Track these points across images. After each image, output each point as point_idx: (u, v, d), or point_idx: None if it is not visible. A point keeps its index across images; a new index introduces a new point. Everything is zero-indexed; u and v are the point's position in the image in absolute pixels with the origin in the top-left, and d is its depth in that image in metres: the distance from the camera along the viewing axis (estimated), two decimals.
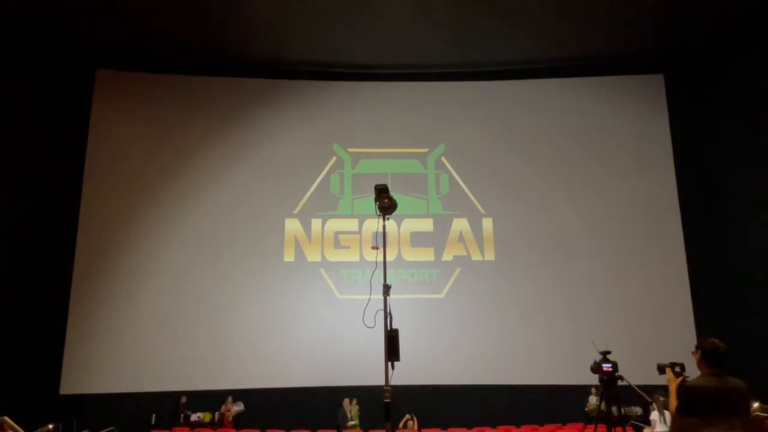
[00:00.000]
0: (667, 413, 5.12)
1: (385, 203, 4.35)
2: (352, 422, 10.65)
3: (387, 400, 3.92)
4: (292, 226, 12.45)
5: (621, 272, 12.00)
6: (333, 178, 12.73)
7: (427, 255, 12.39)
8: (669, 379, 3.87)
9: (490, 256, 12.35)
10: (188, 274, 12.00)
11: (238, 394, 11.31)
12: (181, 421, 10.85)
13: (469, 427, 10.39)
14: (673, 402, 3.56)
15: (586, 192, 12.53)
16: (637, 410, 10.89)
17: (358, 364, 10.82)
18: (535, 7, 10.81)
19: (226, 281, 11.99)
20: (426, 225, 12.52)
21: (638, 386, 5.17)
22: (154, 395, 11.24)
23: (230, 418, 10.96)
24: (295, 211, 12.51)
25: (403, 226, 12.42)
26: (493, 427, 10.48)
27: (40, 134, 11.22)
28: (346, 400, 10.97)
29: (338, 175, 12.76)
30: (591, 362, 5.25)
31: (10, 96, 10.50)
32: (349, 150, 12.87)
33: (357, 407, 10.93)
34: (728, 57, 11.61)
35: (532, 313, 11.91)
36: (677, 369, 3.93)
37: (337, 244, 12.42)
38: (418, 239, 12.43)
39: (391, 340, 3.97)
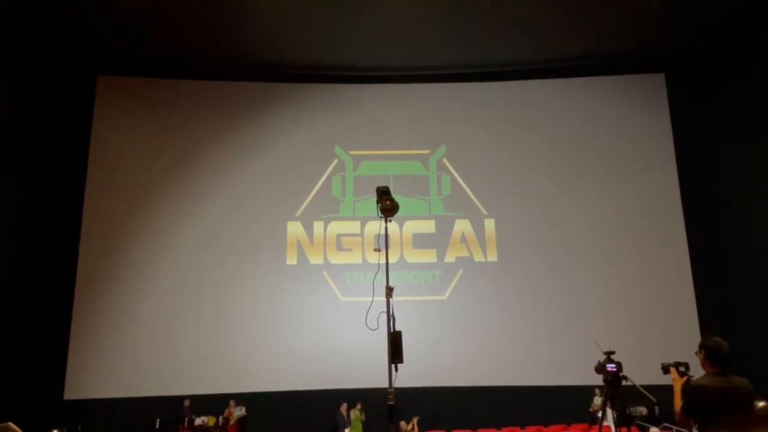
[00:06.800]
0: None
1: (387, 205, 4.34)
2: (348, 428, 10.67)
3: (390, 403, 3.92)
4: (294, 229, 12.46)
5: (624, 271, 11.97)
6: (335, 181, 12.74)
7: (429, 257, 12.39)
8: (673, 379, 3.86)
9: (492, 257, 12.35)
10: (191, 278, 12.01)
11: (242, 398, 11.30)
12: (185, 425, 10.85)
13: (474, 428, 10.36)
14: (678, 402, 3.55)
15: (587, 191, 12.51)
16: (642, 410, 10.87)
17: (362, 367, 10.80)
18: (536, 7, 10.80)
19: (229, 285, 12.00)
20: (428, 226, 12.52)
21: (642, 386, 5.15)
22: (157, 399, 11.26)
23: (232, 422, 10.96)
24: (297, 214, 12.53)
25: (405, 227, 12.42)
26: (498, 428, 10.46)
27: (42, 140, 11.26)
28: (344, 405, 10.93)
29: (340, 177, 12.77)
30: (595, 362, 5.23)
31: (11, 102, 10.54)
32: (351, 152, 12.88)
33: (358, 413, 10.88)
34: (729, 55, 11.60)
35: (535, 314, 11.89)
36: (681, 368, 3.92)
37: (340, 247, 12.42)
38: (420, 241, 12.43)
39: (394, 342, 3.97)
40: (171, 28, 11.48)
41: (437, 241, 12.47)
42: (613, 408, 5.12)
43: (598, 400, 10.69)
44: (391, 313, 4.00)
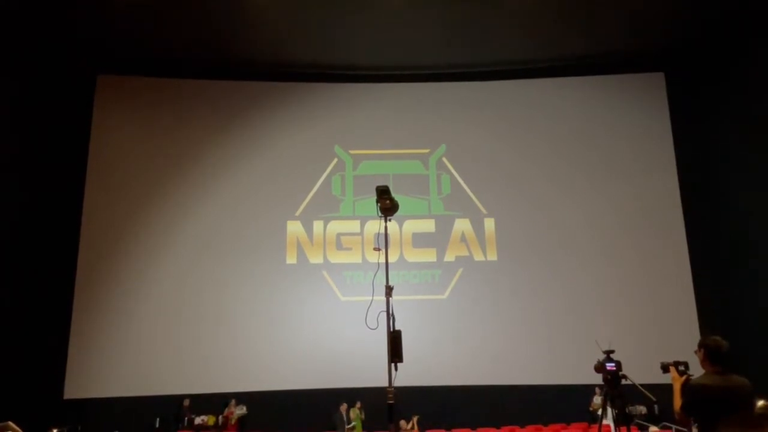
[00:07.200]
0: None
1: (387, 204, 4.33)
2: (350, 425, 10.65)
3: (390, 402, 3.91)
4: (294, 228, 12.46)
5: (624, 271, 11.98)
6: (334, 180, 12.74)
7: (429, 256, 12.39)
8: (673, 378, 3.85)
9: (492, 256, 12.35)
10: (191, 278, 12.01)
11: (242, 397, 11.30)
12: (185, 424, 10.85)
13: (473, 427, 10.38)
14: (677, 401, 3.55)
15: (587, 191, 12.52)
16: (642, 409, 10.88)
17: (361, 366, 10.81)
18: (535, 7, 10.81)
19: (229, 284, 12.00)
20: (428, 226, 12.52)
21: (642, 385, 5.15)
22: (157, 399, 11.25)
23: (233, 421, 10.96)
24: (297, 213, 12.53)
25: (405, 227, 12.42)
26: (498, 427, 10.47)
27: (42, 139, 11.25)
28: (344, 405, 10.93)
29: (339, 176, 12.77)
30: (594, 361, 5.23)
31: (11, 101, 10.53)
32: (351, 151, 12.88)
33: (358, 412, 10.89)
34: (729, 54, 11.59)
35: (534, 313, 11.90)
36: (681, 367, 3.91)
37: (339, 246, 12.43)
38: (419, 240, 12.43)
39: (394, 342, 3.96)
40: (171, 28, 11.47)
41: (437, 241, 12.47)
42: (612, 407, 5.12)
43: (597, 399, 10.70)
44: (390, 312, 4.00)
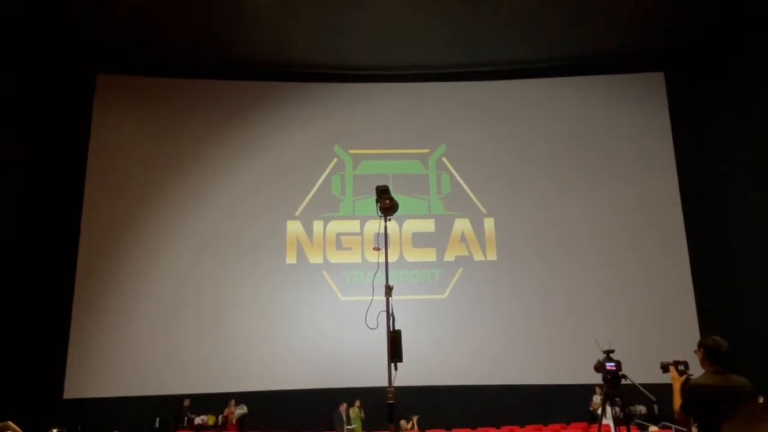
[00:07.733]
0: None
1: (387, 204, 4.34)
2: (350, 426, 10.65)
3: (390, 401, 3.92)
4: (294, 228, 12.45)
5: (623, 271, 11.98)
6: (334, 180, 12.74)
7: (429, 255, 12.39)
8: (672, 378, 3.86)
9: (492, 256, 12.35)
10: (190, 277, 12.01)
11: (241, 397, 11.30)
12: (185, 424, 10.84)
13: (473, 427, 10.38)
14: (677, 400, 3.55)
15: (587, 191, 12.52)
16: (641, 409, 10.88)
17: (361, 366, 10.81)
18: (535, 7, 10.81)
19: (229, 284, 12.00)
20: (428, 225, 12.52)
21: (642, 385, 5.15)
22: (157, 398, 11.25)
23: (233, 421, 10.96)
24: (297, 213, 12.53)
25: (405, 226, 12.42)
26: (497, 427, 10.47)
27: (42, 139, 11.25)
28: (344, 405, 10.93)
29: (339, 176, 12.77)
30: (594, 361, 5.24)
31: (11, 101, 10.53)
32: (350, 151, 12.88)
33: (357, 411, 10.89)
34: (728, 54, 11.60)
35: (534, 313, 11.90)
36: (681, 367, 3.91)
37: (339, 246, 12.43)
38: (419, 240, 12.43)
39: (394, 341, 3.97)
40: (171, 27, 11.47)
41: (437, 240, 12.47)
42: (612, 407, 5.13)
43: (597, 399, 10.70)
44: (390, 312, 4.00)
